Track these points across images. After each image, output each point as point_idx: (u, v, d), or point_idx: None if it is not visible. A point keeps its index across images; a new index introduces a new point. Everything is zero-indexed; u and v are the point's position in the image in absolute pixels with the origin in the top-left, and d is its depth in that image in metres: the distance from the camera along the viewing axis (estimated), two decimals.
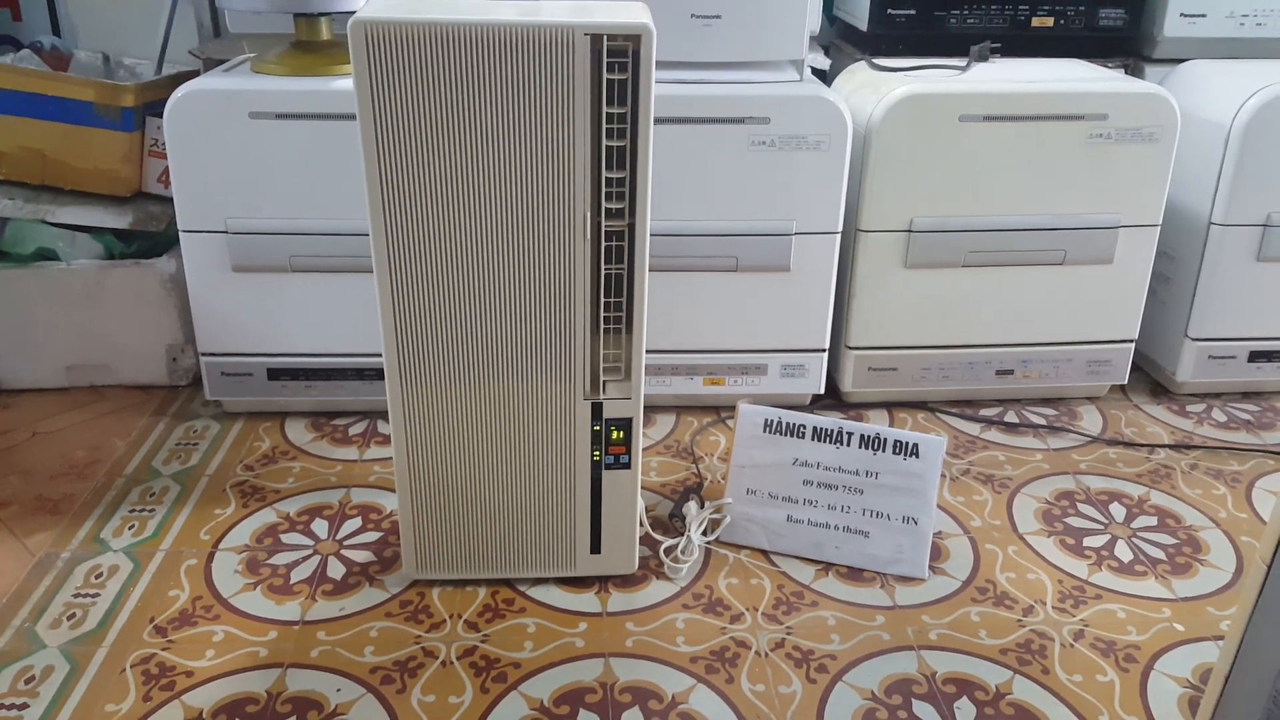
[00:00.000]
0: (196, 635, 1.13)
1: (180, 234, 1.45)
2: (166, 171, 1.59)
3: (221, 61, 1.55)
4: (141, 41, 1.90)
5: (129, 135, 1.59)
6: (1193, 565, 1.28)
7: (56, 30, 2.00)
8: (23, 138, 1.57)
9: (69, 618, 1.15)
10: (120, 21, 1.95)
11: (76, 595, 1.19)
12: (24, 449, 1.50)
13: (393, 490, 1.40)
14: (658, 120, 1.38)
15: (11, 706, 1.03)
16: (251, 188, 1.41)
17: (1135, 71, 1.78)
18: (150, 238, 1.65)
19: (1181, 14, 1.73)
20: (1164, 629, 1.17)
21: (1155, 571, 1.27)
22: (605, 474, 1.16)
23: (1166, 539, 1.33)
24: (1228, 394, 1.72)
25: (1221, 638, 1.15)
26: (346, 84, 1.39)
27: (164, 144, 1.41)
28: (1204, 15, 1.74)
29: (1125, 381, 1.67)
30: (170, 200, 1.48)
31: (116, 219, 1.62)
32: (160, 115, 1.39)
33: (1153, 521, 1.37)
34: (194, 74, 1.60)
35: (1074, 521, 1.36)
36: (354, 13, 0.96)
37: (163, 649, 1.11)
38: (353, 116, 1.36)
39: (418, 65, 0.96)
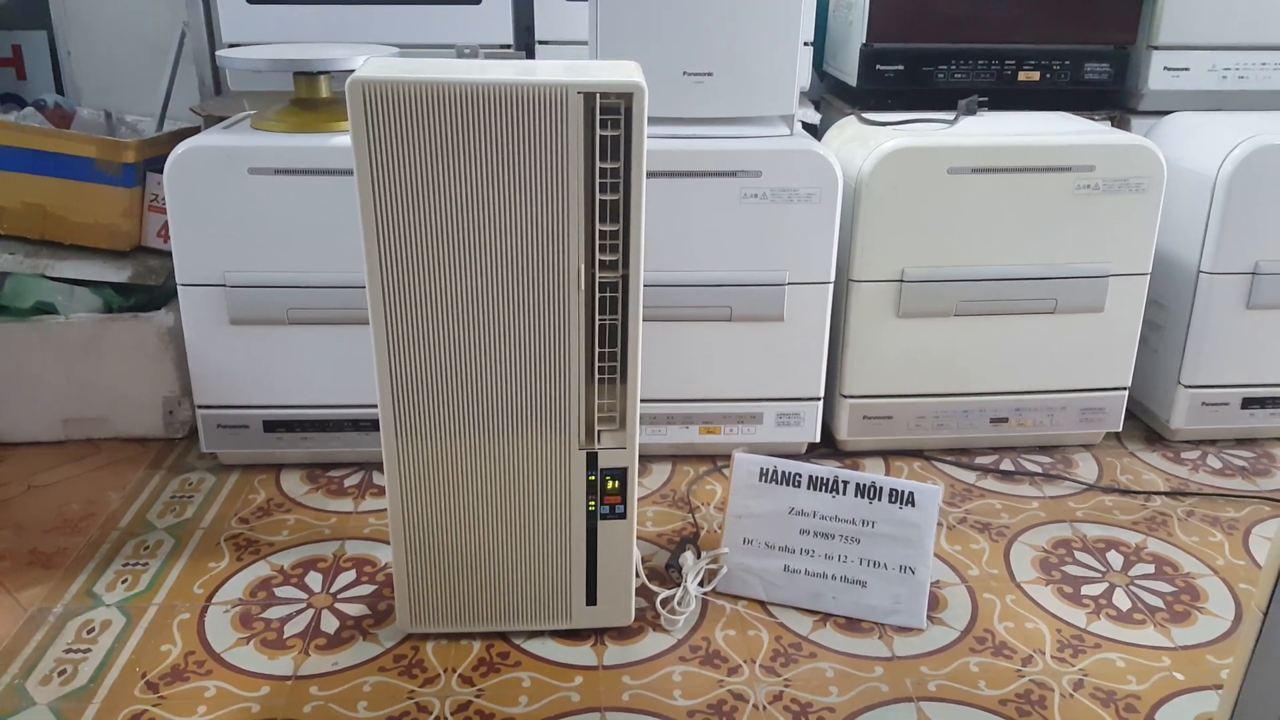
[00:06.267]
0: (189, 691, 1.12)
1: (179, 287, 1.46)
2: (166, 226, 1.61)
3: (222, 118, 1.58)
4: (143, 99, 1.94)
5: (129, 190, 1.61)
6: (1191, 613, 1.27)
7: (60, 88, 2.04)
8: (25, 193, 1.59)
9: (59, 674, 1.14)
10: (123, 79, 1.98)
11: (68, 651, 1.18)
12: (18, 502, 1.50)
13: (387, 542, 1.39)
14: (651, 174, 1.41)
15: None
16: (250, 242, 1.43)
17: (1121, 124, 1.81)
18: (149, 291, 1.66)
19: (1165, 68, 1.77)
20: (1164, 678, 1.16)
21: (1154, 620, 1.26)
22: (601, 524, 1.16)
23: (1164, 587, 1.33)
24: (1222, 441, 1.73)
25: (1221, 686, 1.14)
26: (344, 141, 1.41)
27: (164, 199, 1.43)
28: (1187, 69, 1.78)
29: (1120, 429, 1.67)
30: (169, 254, 1.50)
31: (116, 273, 1.64)
32: (161, 171, 1.41)
33: (1150, 569, 1.36)
34: (195, 130, 1.63)
35: (1071, 570, 1.36)
36: (352, 71, 0.98)
37: (154, 705, 1.10)
38: (350, 172, 1.38)
39: (414, 123, 0.98)
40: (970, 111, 1.64)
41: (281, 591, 1.29)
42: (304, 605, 1.27)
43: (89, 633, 1.21)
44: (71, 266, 1.62)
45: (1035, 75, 1.75)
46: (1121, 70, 1.78)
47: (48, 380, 1.61)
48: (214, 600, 1.27)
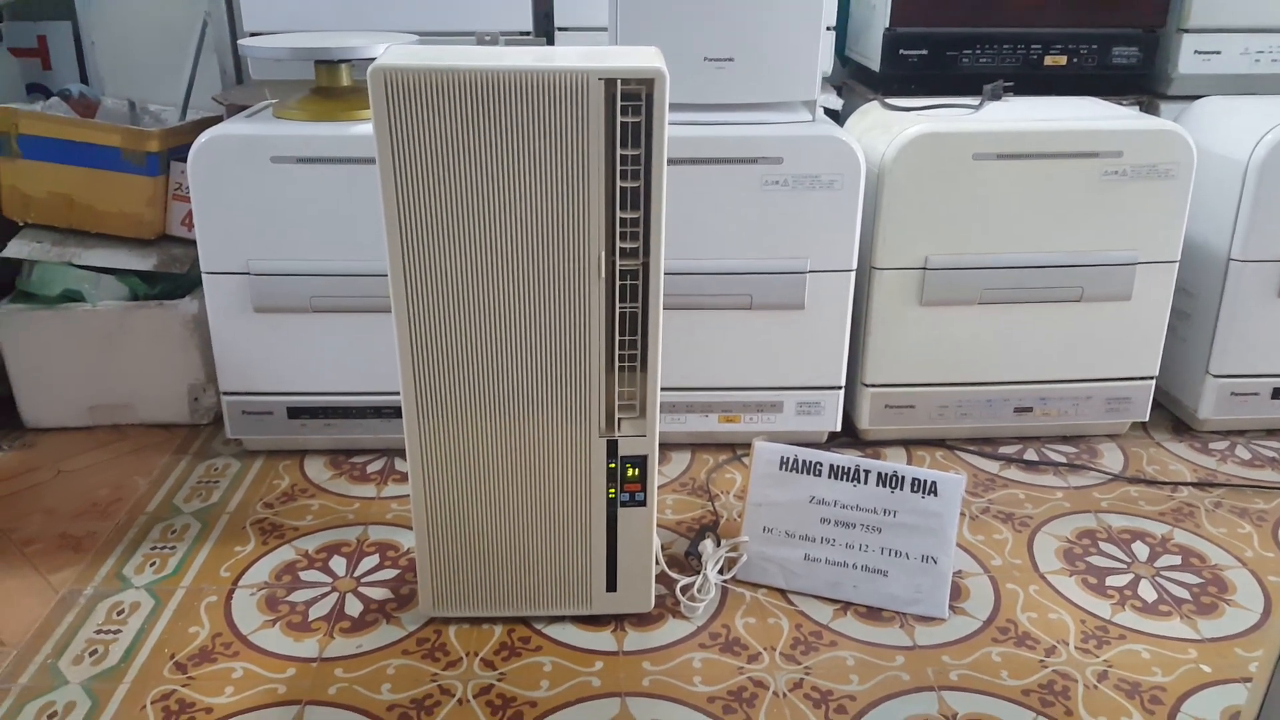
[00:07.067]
0: (216, 672, 1.13)
1: (203, 275, 1.47)
2: (190, 214, 1.62)
3: (244, 107, 1.59)
4: (167, 88, 1.95)
5: (154, 179, 1.63)
6: (1219, 605, 1.26)
7: (84, 78, 2.05)
8: (51, 183, 1.61)
9: (91, 654, 1.16)
10: (146, 69, 2.00)
11: (98, 632, 1.20)
12: (48, 488, 1.52)
13: (410, 528, 1.40)
14: (672, 161, 1.40)
15: None
16: (273, 230, 1.44)
17: (1149, 109, 1.79)
18: (174, 279, 1.68)
19: (1195, 51, 1.74)
20: (1190, 670, 1.15)
21: (1180, 611, 1.25)
22: (621, 512, 1.16)
23: (1191, 578, 1.31)
24: (1251, 431, 1.70)
25: (1250, 679, 1.13)
26: (366, 129, 1.41)
27: (188, 188, 1.44)
28: (1218, 52, 1.74)
29: (1146, 419, 1.65)
30: (193, 243, 1.51)
31: (141, 261, 1.65)
32: (184, 160, 1.43)
33: (1177, 560, 1.35)
34: (217, 119, 1.64)
35: (1096, 560, 1.35)
36: (374, 60, 0.98)
37: (182, 685, 1.11)
38: (372, 160, 1.39)
39: (436, 110, 0.98)
40: (995, 96, 1.62)
41: (306, 575, 1.31)
42: (328, 589, 1.28)
43: (119, 614, 1.23)
44: (98, 255, 1.64)
45: (1062, 59, 1.73)
46: (1150, 54, 1.75)
47: (75, 367, 1.63)
48: (240, 583, 1.29)
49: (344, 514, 1.45)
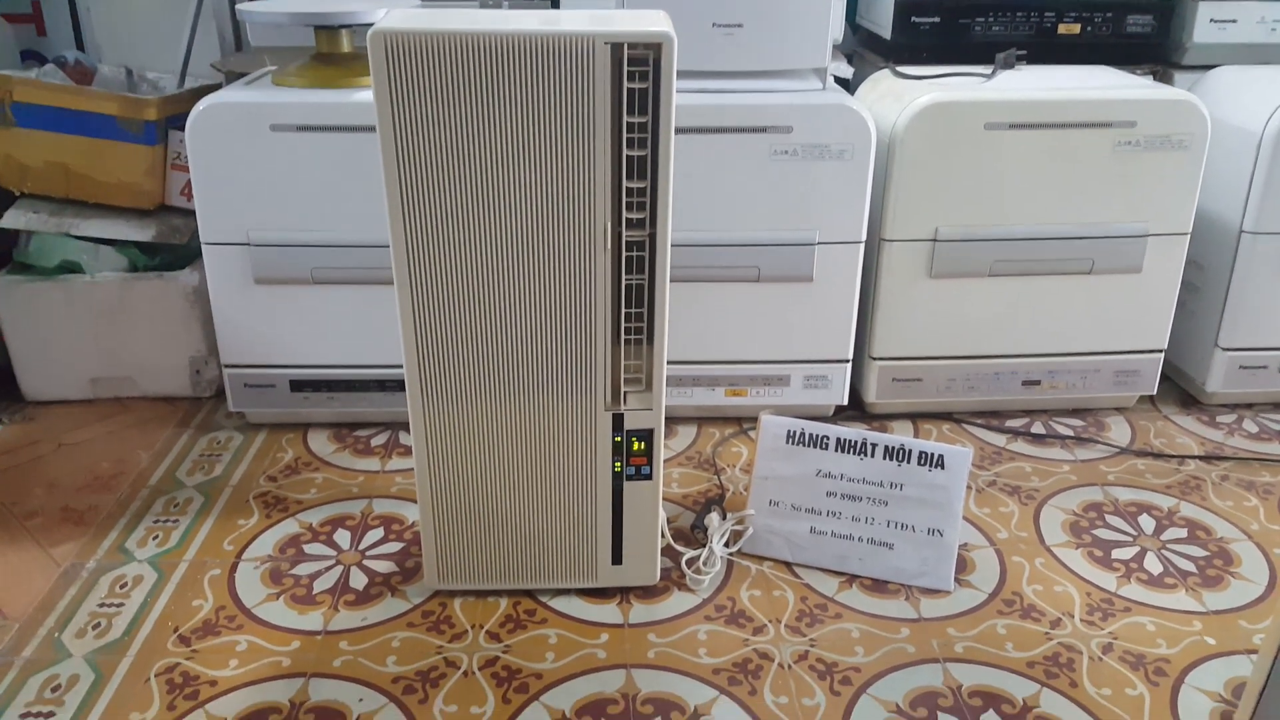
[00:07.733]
0: (220, 645, 1.13)
1: (203, 246, 1.46)
2: (189, 184, 1.60)
3: (243, 74, 1.57)
4: (164, 55, 1.92)
5: (152, 148, 1.61)
6: (1224, 578, 1.26)
7: (80, 45, 2.02)
8: (47, 152, 1.59)
9: (94, 627, 1.16)
10: (143, 36, 1.97)
11: (101, 605, 1.20)
12: (50, 461, 1.51)
13: (414, 501, 1.40)
14: (679, 130, 1.38)
15: (38, 715, 1.03)
16: (273, 200, 1.42)
17: (1164, 78, 1.76)
18: (173, 250, 1.66)
19: (1211, 20, 1.71)
20: (1195, 642, 1.15)
21: (1185, 584, 1.24)
22: (626, 485, 1.16)
23: (1197, 551, 1.31)
24: (1259, 404, 1.70)
25: (1255, 651, 1.13)
26: (367, 96, 1.39)
27: (186, 157, 1.42)
28: (1234, 21, 1.72)
29: (1154, 392, 1.64)
30: (193, 213, 1.49)
31: (140, 232, 1.64)
32: (183, 128, 1.41)
33: (1183, 533, 1.35)
34: (216, 87, 1.61)
35: (1102, 533, 1.34)
36: (374, 25, 0.96)
37: (186, 658, 1.11)
38: (373, 128, 1.37)
39: (438, 76, 0.96)
40: (1008, 65, 1.60)
41: (310, 548, 1.30)
42: (333, 562, 1.28)
43: (122, 587, 1.23)
44: (96, 225, 1.62)
45: (1075, 28, 1.70)
46: (1165, 22, 1.73)
47: (75, 340, 1.62)
48: (244, 556, 1.28)
49: (348, 487, 1.44)
